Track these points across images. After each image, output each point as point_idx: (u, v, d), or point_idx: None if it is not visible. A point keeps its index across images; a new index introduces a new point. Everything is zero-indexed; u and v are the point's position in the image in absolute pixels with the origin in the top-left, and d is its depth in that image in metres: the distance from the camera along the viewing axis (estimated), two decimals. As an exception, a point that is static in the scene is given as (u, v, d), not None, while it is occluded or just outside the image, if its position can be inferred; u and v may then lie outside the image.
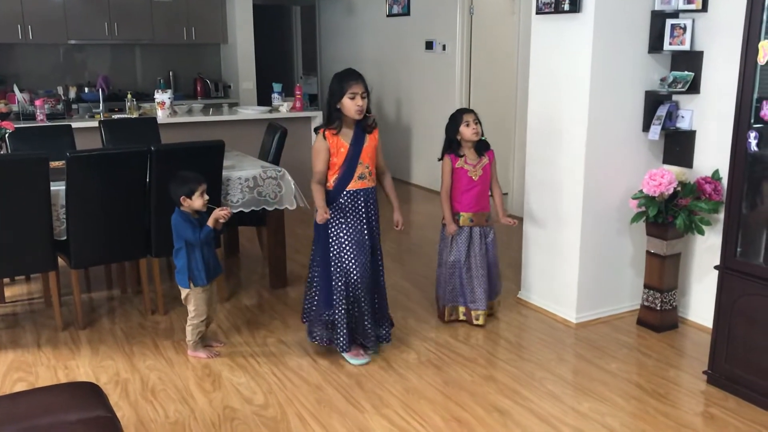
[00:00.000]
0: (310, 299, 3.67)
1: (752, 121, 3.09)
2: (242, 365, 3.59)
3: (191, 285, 3.54)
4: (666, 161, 4.10)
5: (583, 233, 4.00)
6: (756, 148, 3.11)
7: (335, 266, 3.45)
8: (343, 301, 3.46)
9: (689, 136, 3.95)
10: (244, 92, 8.54)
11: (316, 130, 3.45)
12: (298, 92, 7.23)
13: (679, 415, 3.11)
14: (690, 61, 3.87)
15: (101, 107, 6.61)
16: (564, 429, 3.00)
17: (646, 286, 4.03)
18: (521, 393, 3.31)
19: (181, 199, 3.47)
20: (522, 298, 4.48)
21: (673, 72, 3.94)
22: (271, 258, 4.76)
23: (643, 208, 3.87)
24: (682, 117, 3.97)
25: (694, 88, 3.86)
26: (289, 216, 4.70)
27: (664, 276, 3.94)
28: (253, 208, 4.51)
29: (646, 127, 3.99)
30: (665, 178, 3.73)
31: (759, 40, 3.01)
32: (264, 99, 8.20)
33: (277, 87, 7.40)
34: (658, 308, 3.97)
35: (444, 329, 4.03)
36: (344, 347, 3.52)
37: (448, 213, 3.95)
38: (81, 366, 3.60)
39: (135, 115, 6.46)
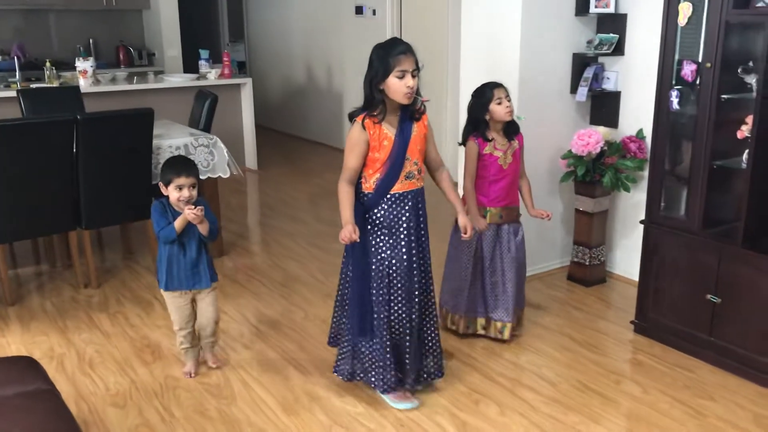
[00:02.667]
0: (337, 321, 3.02)
1: (673, 81, 3.23)
2: (182, 335, 3.56)
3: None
4: (593, 122, 4.23)
5: (515, 194, 4.10)
6: (677, 107, 3.26)
7: (377, 291, 2.76)
8: (386, 332, 2.77)
9: (615, 97, 4.08)
10: (169, 60, 8.27)
11: (352, 116, 2.72)
12: (226, 59, 7.08)
13: (609, 363, 3.28)
14: (615, 23, 3.98)
15: (18, 76, 6.30)
16: (503, 381, 3.12)
17: (575, 243, 4.19)
18: (463, 351, 3.40)
19: (160, 185, 2.97)
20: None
21: (599, 34, 4.06)
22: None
23: (572, 168, 4.00)
24: (608, 78, 4.10)
25: (619, 50, 3.98)
26: (223, 184, 4.63)
27: (592, 232, 4.10)
28: (185, 177, 4.41)
29: (574, 89, 4.10)
30: (592, 138, 3.85)
31: (679, 2, 3.12)
32: (190, 66, 7.97)
33: (204, 54, 7.22)
34: (587, 263, 4.14)
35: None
36: (386, 387, 2.83)
37: (474, 207, 3.30)
38: (12, 343, 3.49)
39: (55, 84, 6.18)
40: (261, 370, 3.21)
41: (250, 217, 6.08)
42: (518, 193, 3.44)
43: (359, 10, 7.55)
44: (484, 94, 3.25)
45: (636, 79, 3.94)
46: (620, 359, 3.34)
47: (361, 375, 2.90)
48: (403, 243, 2.75)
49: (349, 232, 2.59)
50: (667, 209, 3.42)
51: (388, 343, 2.76)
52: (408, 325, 2.78)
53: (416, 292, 2.80)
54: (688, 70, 3.17)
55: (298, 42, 8.87)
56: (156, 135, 4.29)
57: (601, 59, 4.11)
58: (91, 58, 6.42)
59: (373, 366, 2.83)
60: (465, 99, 4.29)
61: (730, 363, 3.15)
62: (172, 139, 4.42)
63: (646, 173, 3.72)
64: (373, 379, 2.85)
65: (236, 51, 9.97)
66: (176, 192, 2.88)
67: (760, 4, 2.95)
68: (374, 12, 7.33)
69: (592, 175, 3.95)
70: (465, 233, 2.94)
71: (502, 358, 3.33)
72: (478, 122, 3.29)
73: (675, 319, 3.36)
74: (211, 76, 6.91)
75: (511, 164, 3.32)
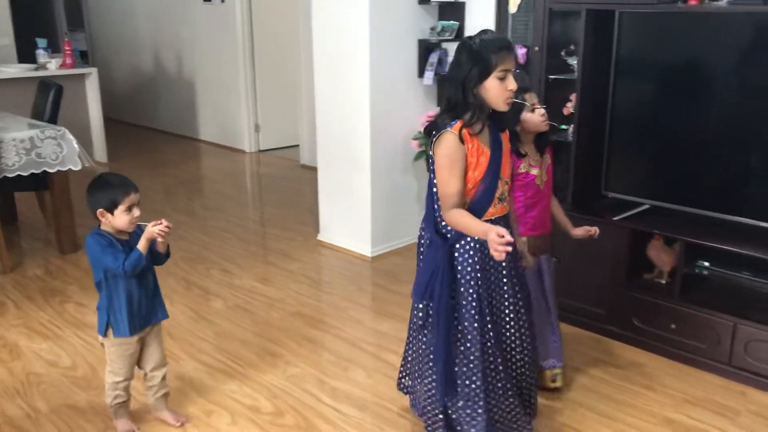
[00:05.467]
0: (411, 367, 2.60)
1: (508, 63, 3.55)
2: (41, 332, 3.45)
3: (108, 333, 2.51)
4: (440, 104, 4.52)
5: (372, 174, 4.31)
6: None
7: (465, 339, 2.29)
8: (481, 393, 2.32)
9: (458, 79, 4.39)
10: (1, 49, 7.74)
11: (436, 128, 2.21)
12: (67, 48, 6.74)
13: (464, 324, 3.57)
14: (454, 11, 4.28)
15: None
16: (368, 347, 3.32)
17: (429, 218, 4.47)
18: (328, 323, 3.58)
19: (99, 213, 2.39)
20: (322, 239, 4.73)
21: (441, 21, 4.34)
22: (58, 223, 4.52)
23: (423, 148, 4.27)
24: (451, 63, 4.40)
25: (460, 36, 4.28)
26: (74, 179, 4.47)
27: (444, 207, 4.39)
28: (32, 171, 4.24)
29: (421, 73, 4.37)
30: (440, 118, 4.13)
31: (510, -8, 3.44)
32: (26, 56, 7.50)
33: (42, 43, 6.84)
34: (441, 236, 4.43)
35: (248, 274, 4.15)
36: None
37: (521, 242, 2.65)
38: None
39: None
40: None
41: (104, 211, 5.88)
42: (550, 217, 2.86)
43: (207, -3, 7.45)
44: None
45: (476, 62, 4.25)
46: (473, 320, 3.65)
47: None
48: (495, 282, 2.30)
49: (493, 238, 1.99)
50: (508, 181, 3.75)
51: (481, 402, 2.34)
52: (506, 375, 2.38)
53: (513, 334, 2.38)
54: (519, 53, 3.50)
55: (145, 30, 8.59)
56: (-4, 128, 4.08)
57: (444, 45, 4.39)
58: None
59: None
60: (321, 88, 4.45)
61: (566, 315, 3.52)
62: (14, 132, 4.21)
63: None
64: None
65: (76, 40, 9.45)
66: (126, 214, 2.39)
67: (577, -6, 3.32)
68: (223, -1, 7.27)
69: (442, 154, 4.23)
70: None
71: (365, 326, 3.53)
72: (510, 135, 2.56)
73: (519, 280, 3.71)
74: (52, 66, 6.57)
75: (546, 183, 2.74)
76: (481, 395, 2.31)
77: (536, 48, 3.37)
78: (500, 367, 2.33)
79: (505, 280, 2.32)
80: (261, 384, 2.99)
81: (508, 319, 2.36)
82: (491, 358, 2.31)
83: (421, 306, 2.36)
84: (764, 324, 2.91)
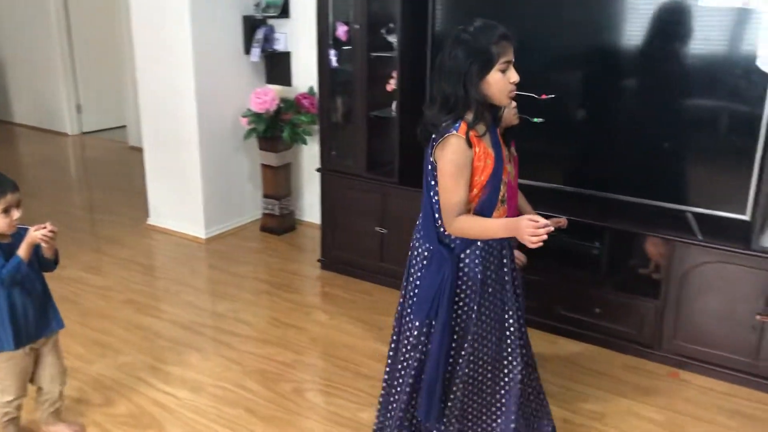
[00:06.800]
0: (391, 409, 2.31)
1: (331, 41, 3.61)
2: None
3: None
4: (269, 81, 4.50)
5: (202, 154, 4.23)
6: (337, 65, 3.65)
7: (467, 357, 2.12)
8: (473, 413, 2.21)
9: (285, 56, 4.39)
10: None
11: (439, 130, 2.00)
12: None
13: (302, 299, 3.63)
14: (279, -13, 4.26)
15: None
16: (205, 330, 3.29)
17: (264, 196, 4.47)
18: (160, 308, 3.50)
19: None
20: (152, 223, 4.58)
21: (265, -2, 4.31)
22: None
23: (253, 125, 4.24)
24: (278, 39, 4.39)
25: (285, 12, 4.28)
26: None
27: (278, 185, 4.41)
28: None
29: (248, 50, 4.32)
30: (268, 96, 4.13)
31: (329, -30, 3.49)
32: None
33: None
34: (277, 214, 4.45)
35: (75, 264, 3.94)
36: None
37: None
38: None
39: None
40: None
41: None
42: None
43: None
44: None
45: (302, 39, 4.27)
46: (310, 294, 3.72)
47: None
48: (502, 292, 2.15)
49: (527, 224, 1.85)
50: (338, 157, 3.84)
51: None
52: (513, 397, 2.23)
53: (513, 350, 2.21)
54: (342, 30, 3.58)
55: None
56: None
57: (270, 21, 4.37)
58: None
59: None
60: (143, 65, 4.27)
61: (398, 282, 3.65)
62: None
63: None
64: None
65: None
66: (4, 217, 2.20)
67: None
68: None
69: (273, 131, 4.24)
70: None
71: (203, 309, 3.49)
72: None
73: (353, 252, 3.83)
74: None
75: (515, 177, 2.52)
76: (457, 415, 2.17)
77: (357, 26, 3.45)
78: (485, 386, 2.20)
79: (507, 286, 2.17)
80: (89, 375, 2.88)
81: (507, 325, 2.18)
82: (480, 377, 2.18)
83: (418, 324, 2.13)
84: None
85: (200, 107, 4.14)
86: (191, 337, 3.22)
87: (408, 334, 2.18)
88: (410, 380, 2.18)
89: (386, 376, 2.33)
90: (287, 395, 2.79)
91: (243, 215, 4.61)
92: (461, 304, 2.09)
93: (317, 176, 3.91)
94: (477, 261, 2.06)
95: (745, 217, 2.85)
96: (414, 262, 2.17)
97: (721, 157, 2.91)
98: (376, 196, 3.65)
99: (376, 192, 3.65)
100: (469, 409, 2.20)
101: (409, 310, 2.18)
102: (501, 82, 1.95)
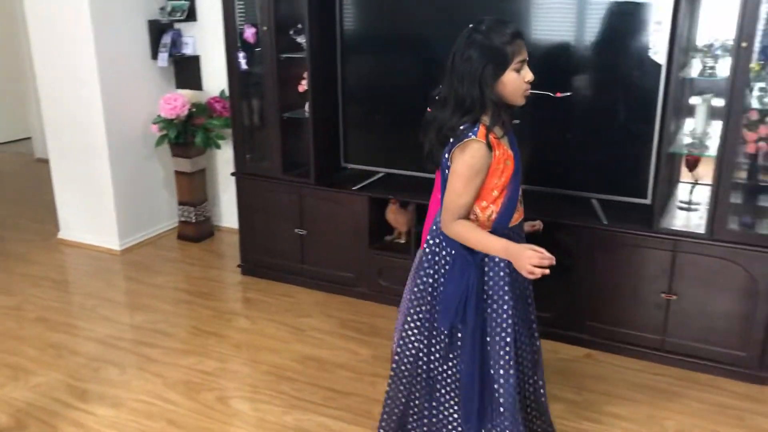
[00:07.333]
0: (398, 407, 2.26)
1: (239, 43, 3.57)
2: None
3: None
4: (179, 86, 4.41)
5: (112, 164, 4.10)
6: (246, 67, 3.62)
7: (499, 358, 2.04)
8: (517, 412, 2.09)
9: (195, 60, 4.31)
10: None
11: (456, 133, 1.94)
12: None
13: (222, 306, 3.59)
14: (184, -10, 4.19)
15: None
16: (123, 344, 3.20)
17: (180, 203, 4.39)
18: (75, 324, 3.38)
19: None
20: (63, 237, 4.42)
21: (170, 1, 4.21)
22: None
23: (165, 132, 4.15)
24: (186, 43, 4.30)
25: (192, 16, 4.20)
26: None
27: (193, 191, 4.34)
28: None
29: (155, 55, 4.22)
30: (178, 101, 4.05)
31: (233, -29, 3.45)
32: None
33: None
34: (194, 221, 4.37)
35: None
36: None
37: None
38: None
39: None
40: None
41: None
42: None
43: None
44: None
45: (211, 42, 4.20)
46: (231, 300, 3.68)
47: None
48: (523, 291, 2.12)
49: (531, 254, 1.85)
50: (253, 160, 3.80)
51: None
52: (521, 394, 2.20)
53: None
54: (250, 33, 3.55)
55: None
56: None
57: (177, 25, 4.28)
58: None
59: None
60: (44, 74, 4.11)
61: (320, 283, 3.70)
62: None
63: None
64: None
65: None
66: None
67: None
68: None
69: (185, 137, 4.16)
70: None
71: (120, 322, 3.40)
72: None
73: (273, 255, 3.80)
74: None
75: None
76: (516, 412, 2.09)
77: (265, 28, 3.43)
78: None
79: (527, 293, 2.15)
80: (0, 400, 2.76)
81: (528, 334, 2.15)
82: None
83: (445, 332, 2.07)
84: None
85: (108, 115, 4.02)
86: (109, 352, 3.13)
87: (439, 347, 2.11)
88: (454, 393, 2.12)
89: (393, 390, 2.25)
90: (211, 404, 2.75)
91: (159, 224, 4.51)
92: (495, 307, 2.02)
93: (233, 180, 3.86)
94: (502, 264, 2.00)
95: (647, 201, 3.00)
96: (433, 269, 2.08)
97: (621, 145, 3.04)
98: (294, 197, 3.64)
99: (293, 193, 3.64)
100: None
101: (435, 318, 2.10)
102: (516, 82, 1.92)
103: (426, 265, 2.10)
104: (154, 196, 4.44)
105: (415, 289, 2.14)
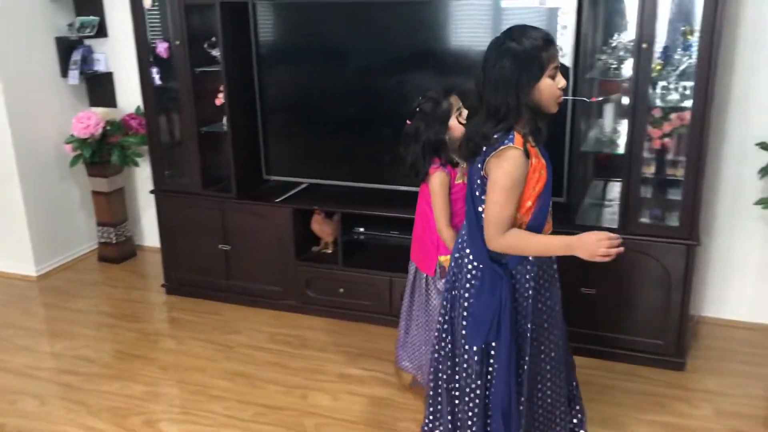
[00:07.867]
0: (442, 411, 2.22)
1: (152, 58, 3.50)
2: None
3: None
4: (92, 104, 4.29)
5: (24, 187, 3.95)
6: (161, 82, 3.55)
7: (535, 366, 2.06)
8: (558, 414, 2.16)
9: (107, 77, 4.20)
10: None
11: (491, 141, 1.90)
12: None
13: (147, 327, 3.49)
14: (92, 5, 4.07)
15: None
16: (41, 374, 3.08)
17: (99, 224, 4.26)
18: (-11, 357, 3.23)
19: None
20: (-27, 266, 4.22)
21: (79, 17, 4.09)
22: None
23: (79, 151, 4.02)
24: (98, 60, 4.18)
25: (102, 32, 4.09)
26: None
27: (112, 211, 4.22)
28: None
29: (65, 73, 4.09)
30: (92, 119, 3.93)
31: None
32: None
33: None
34: (114, 242, 4.25)
35: None
36: None
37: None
38: None
39: None
40: None
41: None
42: None
43: None
44: (440, 106, 2.45)
45: (123, 58, 4.09)
46: (156, 321, 3.59)
47: None
48: (555, 300, 2.11)
49: (598, 238, 1.84)
50: (172, 176, 3.73)
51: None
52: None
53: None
54: (162, 48, 3.48)
55: None
56: None
57: (87, 41, 4.16)
58: None
59: None
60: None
61: (246, 298, 3.65)
62: None
63: (150, 147, 3.95)
64: None
65: None
66: None
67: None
68: None
69: (101, 156, 4.04)
70: None
71: (38, 351, 3.26)
72: (438, 145, 2.45)
73: (198, 273, 3.73)
74: None
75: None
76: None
77: (177, 42, 3.37)
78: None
79: (557, 306, 2.13)
80: None
81: (552, 346, 2.12)
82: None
83: (476, 349, 2.02)
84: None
85: (16, 137, 3.86)
86: (26, 383, 3.00)
87: (466, 366, 2.07)
88: (479, 410, 2.07)
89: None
90: (138, 429, 2.68)
91: (78, 247, 4.35)
92: (521, 321, 2.00)
93: (153, 198, 3.78)
94: (528, 277, 1.98)
95: (562, 200, 3.09)
96: (463, 276, 2.04)
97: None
98: (216, 212, 3.58)
99: (215, 209, 3.58)
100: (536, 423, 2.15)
101: (462, 334, 2.05)
102: (551, 88, 1.89)
103: (450, 280, 2.10)
104: (72, 218, 4.29)
105: (442, 311, 2.13)
